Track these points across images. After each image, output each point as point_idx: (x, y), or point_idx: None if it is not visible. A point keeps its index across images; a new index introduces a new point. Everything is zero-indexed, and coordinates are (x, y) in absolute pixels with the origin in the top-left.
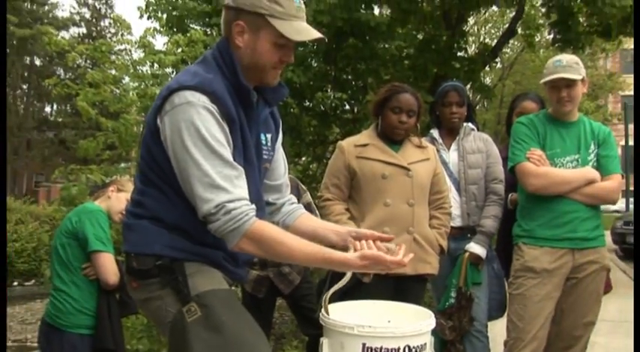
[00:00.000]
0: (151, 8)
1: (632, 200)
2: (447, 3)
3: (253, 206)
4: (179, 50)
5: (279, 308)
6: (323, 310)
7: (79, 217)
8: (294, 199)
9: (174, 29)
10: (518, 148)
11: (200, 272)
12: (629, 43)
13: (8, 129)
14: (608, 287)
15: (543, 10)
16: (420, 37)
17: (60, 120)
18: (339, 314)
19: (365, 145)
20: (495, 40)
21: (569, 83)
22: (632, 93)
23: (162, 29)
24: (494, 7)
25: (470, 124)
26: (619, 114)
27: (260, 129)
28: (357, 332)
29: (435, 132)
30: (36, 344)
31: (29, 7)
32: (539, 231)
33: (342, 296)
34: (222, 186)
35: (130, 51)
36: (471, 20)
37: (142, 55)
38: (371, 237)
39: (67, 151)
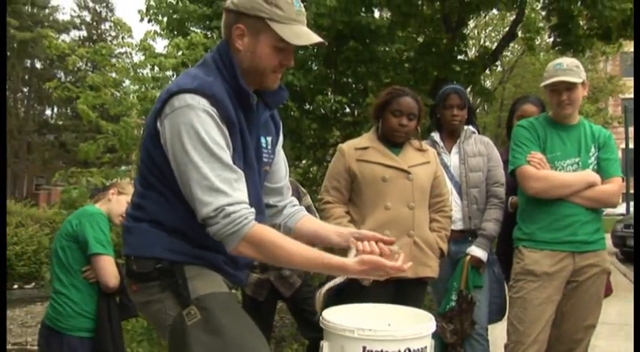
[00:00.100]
0: (151, 11)
1: (632, 203)
2: (448, 6)
3: (253, 209)
4: (179, 53)
5: (279, 311)
6: (317, 307)
7: (80, 220)
8: (296, 201)
9: (175, 32)
10: (518, 151)
11: (200, 275)
12: (629, 46)
13: (9, 132)
14: (608, 291)
15: (543, 13)
16: (420, 40)
17: (60, 123)
18: (340, 317)
19: (365, 148)
20: (496, 43)
21: (570, 86)
22: (632, 96)
23: (162, 32)
24: (495, 11)
25: (470, 127)
26: (619, 117)
27: (260, 132)
28: (357, 335)
29: (435, 135)
30: (36, 347)
31: (30, 10)
32: (540, 235)
33: (342, 299)
34: (221, 189)
35: (131, 54)
36: (472, 23)
37: (143, 58)
38: (373, 239)
39: (67, 154)
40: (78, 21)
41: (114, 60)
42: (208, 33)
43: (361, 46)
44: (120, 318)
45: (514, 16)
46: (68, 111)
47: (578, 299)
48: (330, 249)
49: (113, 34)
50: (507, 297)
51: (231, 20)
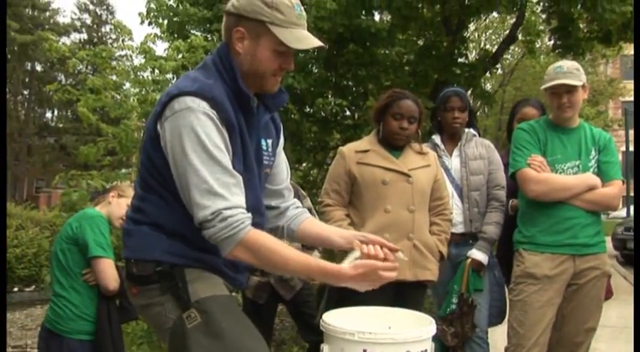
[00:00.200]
0: (151, 14)
1: (632, 206)
2: (448, 9)
3: (249, 214)
4: (180, 56)
5: (279, 314)
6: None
7: (80, 223)
8: (299, 203)
9: (175, 35)
10: (519, 154)
11: (200, 278)
12: (629, 49)
13: (9, 135)
14: (609, 294)
15: (544, 16)
16: (420, 43)
17: (61, 125)
18: (340, 320)
19: (366, 151)
20: (496, 46)
21: (570, 89)
22: (632, 99)
23: (163, 35)
24: (495, 14)
25: (471, 130)
26: (619, 120)
27: (260, 135)
28: (357, 338)
29: (436, 138)
30: (36, 350)
31: (30, 13)
32: (540, 237)
33: (342, 302)
34: (219, 193)
35: (131, 57)
36: (472, 26)
37: (143, 60)
38: (378, 243)
39: (67, 157)
40: (78, 24)
41: (114, 63)
42: (208, 36)
43: (361, 49)
44: (120, 321)
45: (514, 19)
46: (68, 113)
47: (578, 302)
48: (330, 251)
49: (114, 36)
50: (508, 300)
51: (232, 23)
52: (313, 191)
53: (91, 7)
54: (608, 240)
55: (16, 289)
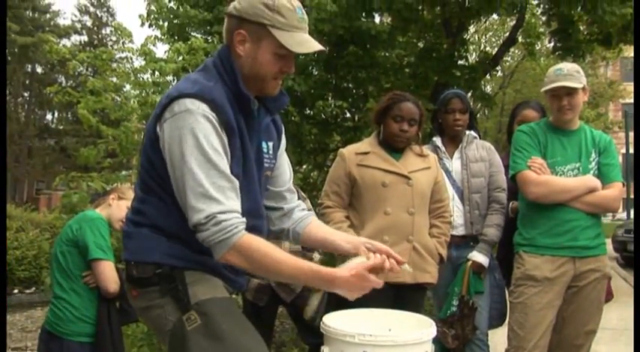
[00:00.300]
0: (152, 16)
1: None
2: (448, 11)
3: (244, 219)
4: (180, 58)
5: (279, 316)
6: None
7: (80, 225)
8: (304, 205)
9: (176, 37)
10: (519, 156)
11: (200, 280)
12: (629, 51)
13: (9, 137)
14: (609, 296)
15: (544, 18)
16: (420, 45)
17: (61, 127)
18: (340, 322)
19: (366, 153)
20: (496, 49)
21: (570, 91)
22: (632, 101)
23: (163, 37)
24: (495, 16)
25: (472, 133)
26: (619, 122)
27: (261, 138)
28: (357, 340)
29: (437, 140)
30: None
31: (31, 15)
32: (540, 240)
33: (341, 304)
34: (214, 197)
35: (131, 59)
36: (472, 28)
37: (143, 62)
38: (385, 253)
39: (68, 159)
40: (79, 26)
41: (114, 65)
42: (209, 38)
43: (362, 51)
44: (120, 323)
45: (514, 22)
46: (69, 115)
47: (578, 304)
48: (331, 254)
49: (114, 38)
50: (508, 302)
51: (233, 25)
52: (313, 193)
53: (92, 9)
54: (609, 242)
55: (16, 291)
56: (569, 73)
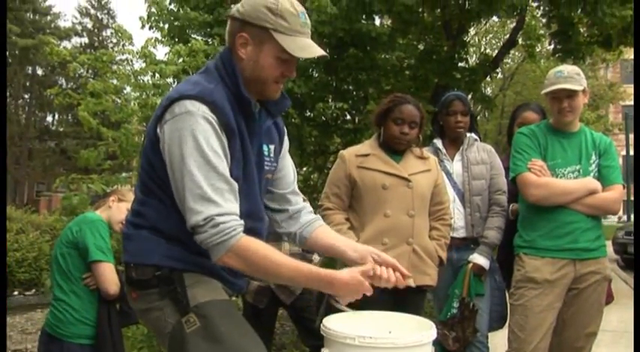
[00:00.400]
0: (152, 18)
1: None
2: (448, 13)
3: (242, 222)
4: (180, 60)
5: (279, 318)
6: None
7: (80, 227)
8: (310, 208)
9: (176, 39)
10: (519, 159)
11: (199, 282)
12: (629, 53)
13: (10, 139)
14: (609, 298)
15: (544, 20)
16: (420, 47)
17: (61, 129)
18: (340, 324)
19: (366, 155)
20: (496, 51)
21: (570, 94)
22: (632, 103)
23: (163, 39)
24: (495, 18)
25: (473, 135)
26: (620, 125)
27: (262, 140)
28: (357, 342)
29: (438, 143)
30: None
31: (31, 17)
32: (541, 242)
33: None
34: (212, 199)
35: (132, 61)
36: (472, 31)
37: (144, 65)
38: (391, 266)
39: (68, 161)
40: (79, 28)
41: (115, 67)
42: (209, 40)
43: (362, 54)
44: (120, 325)
45: (514, 24)
46: (69, 117)
47: (579, 306)
48: (331, 258)
49: (114, 41)
50: (508, 305)
51: (236, 28)
52: (314, 195)
53: (92, 11)
54: (609, 244)
55: (16, 293)
56: (570, 76)
